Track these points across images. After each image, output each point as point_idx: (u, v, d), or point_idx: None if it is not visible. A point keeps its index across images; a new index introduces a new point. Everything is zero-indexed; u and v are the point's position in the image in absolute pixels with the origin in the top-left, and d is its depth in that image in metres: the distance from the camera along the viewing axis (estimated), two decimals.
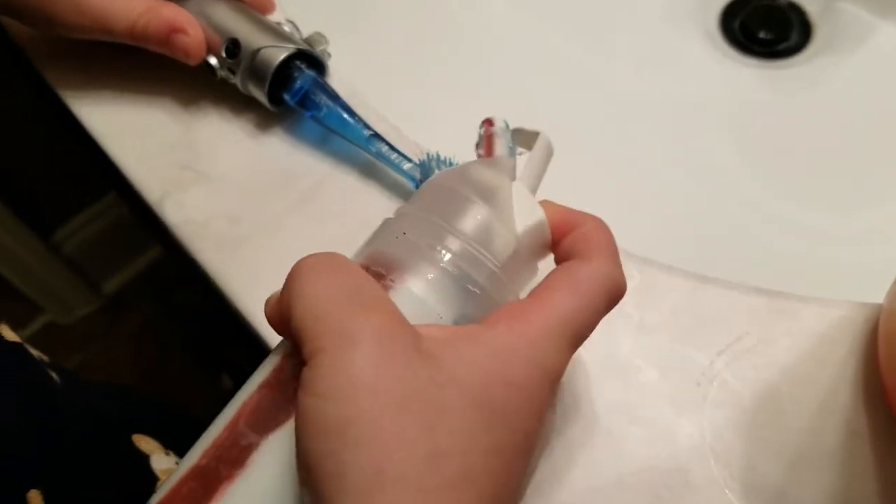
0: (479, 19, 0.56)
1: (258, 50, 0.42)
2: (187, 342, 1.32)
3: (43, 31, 0.47)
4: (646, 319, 0.37)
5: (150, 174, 0.45)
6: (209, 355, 1.21)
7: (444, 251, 0.28)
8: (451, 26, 0.55)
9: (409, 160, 0.41)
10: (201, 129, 0.46)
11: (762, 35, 0.55)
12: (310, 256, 0.26)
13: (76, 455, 0.43)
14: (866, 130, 0.51)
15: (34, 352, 0.47)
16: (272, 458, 0.25)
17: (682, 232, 0.46)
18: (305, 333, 0.24)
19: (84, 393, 0.51)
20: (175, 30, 0.43)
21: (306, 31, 0.45)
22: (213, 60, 0.44)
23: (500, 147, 0.33)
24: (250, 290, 0.40)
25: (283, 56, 0.42)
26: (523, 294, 0.29)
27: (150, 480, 0.47)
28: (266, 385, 0.27)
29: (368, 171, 0.43)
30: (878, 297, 0.36)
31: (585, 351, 0.37)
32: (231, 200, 0.43)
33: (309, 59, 0.43)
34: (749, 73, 0.54)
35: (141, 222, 0.47)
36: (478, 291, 0.28)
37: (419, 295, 0.27)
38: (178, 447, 0.52)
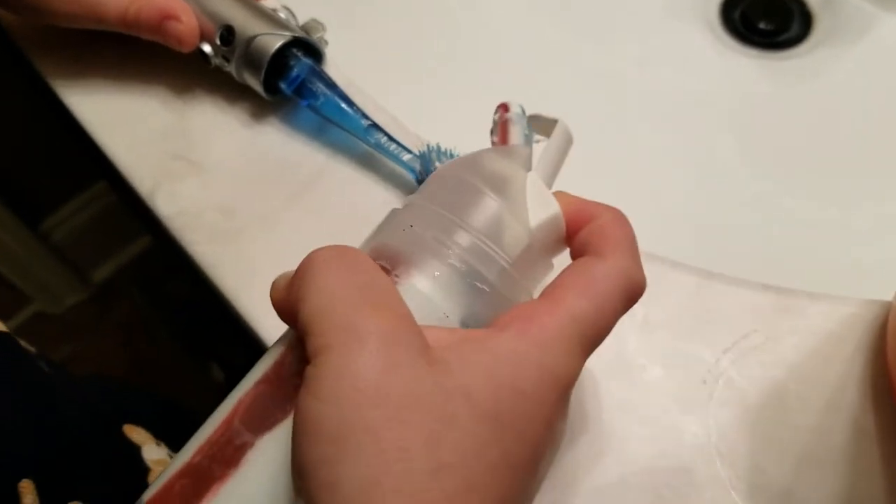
0: (478, 10, 0.55)
1: (253, 37, 0.41)
2: (177, 332, 1.32)
3: (33, 19, 0.46)
4: (651, 316, 0.37)
5: (142, 164, 0.44)
6: (199, 345, 1.20)
7: (452, 246, 0.27)
8: (450, 16, 0.54)
9: (409, 151, 0.40)
10: (195, 118, 0.45)
11: (763, 26, 0.55)
12: (324, 248, 0.26)
13: (68, 445, 0.43)
14: (869, 123, 0.51)
15: (23, 342, 0.46)
16: (267, 460, 0.25)
17: (683, 225, 0.46)
18: (312, 328, 0.23)
19: (73, 384, 0.51)
20: (167, 16, 0.42)
21: (302, 18, 0.44)
22: (207, 48, 0.43)
23: (516, 135, 0.31)
24: (245, 286, 0.39)
25: (279, 44, 0.41)
26: (537, 290, 0.28)
27: (141, 472, 0.47)
28: (265, 380, 0.26)
29: (367, 162, 0.43)
30: (885, 292, 0.36)
31: None
32: (225, 192, 0.43)
33: (305, 47, 0.43)
34: (749, 64, 0.54)
35: (131, 212, 0.46)
36: (487, 289, 0.27)
37: (425, 292, 0.26)
38: (170, 438, 0.52)
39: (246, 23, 0.42)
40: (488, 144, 0.33)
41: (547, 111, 0.33)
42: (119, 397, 0.58)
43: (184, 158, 0.44)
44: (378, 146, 0.40)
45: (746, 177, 0.49)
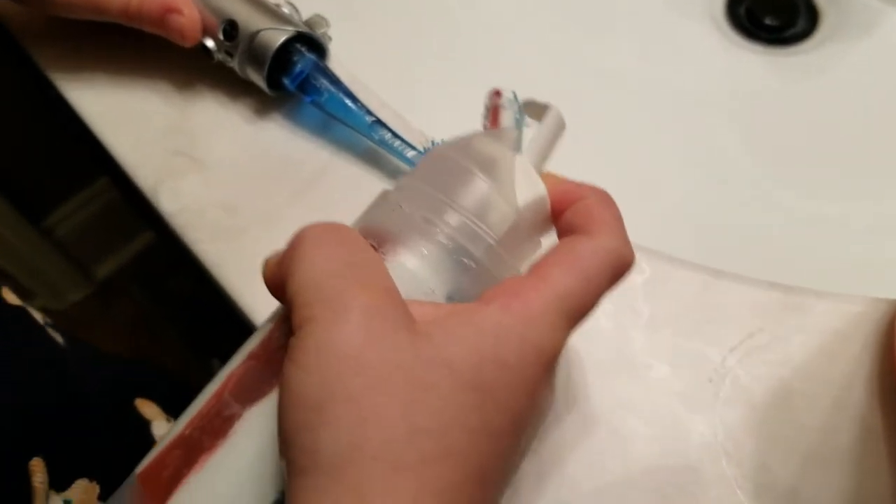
0: (481, 5, 0.55)
1: (257, 32, 0.41)
2: (179, 328, 1.32)
3: (35, 8, 0.46)
4: (656, 315, 0.37)
5: (144, 161, 0.44)
6: (201, 341, 1.20)
7: (439, 224, 0.27)
8: (453, 12, 0.54)
9: (413, 148, 0.40)
10: (197, 114, 0.45)
11: (768, 21, 0.54)
12: (315, 225, 0.26)
13: (80, 418, 0.43)
14: (875, 119, 0.51)
15: (37, 314, 0.46)
16: (254, 429, 0.25)
17: (688, 223, 0.46)
18: (298, 300, 0.24)
19: (88, 355, 0.51)
20: (169, 9, 0.42)
21: (306, 14, 0.44)
22: (209, 43, 0.43)
23: (507, 119, 0.32)
24: (248, 283, 0.39)
25: (282, 39, 0.41)
26: (525, 269, 0.28)
27: (150, 448, 0.47)
28: (254, 356, 0.27)
29: (371, 159, 0.42)
30: (892, 290, 0.36)
31: (595, 347, 0.36)
32: (228, 189, 0.42)
33: (309, 43, 0.42)
34: (755, 60, 0.54)
35: (134, 208, 0.46)
36: (473, 265, 0.27)
37: (410, 268, 0.27)
38: (180, 413, 0.52)
39: (249, 18, 0.41)
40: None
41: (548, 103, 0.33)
42: (134, 371, 0.58)
43: (186, 155, 0.44)
44: (382, 143, 0.40)
45: (752, 174, 0.49)
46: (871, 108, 0.51)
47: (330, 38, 0.44)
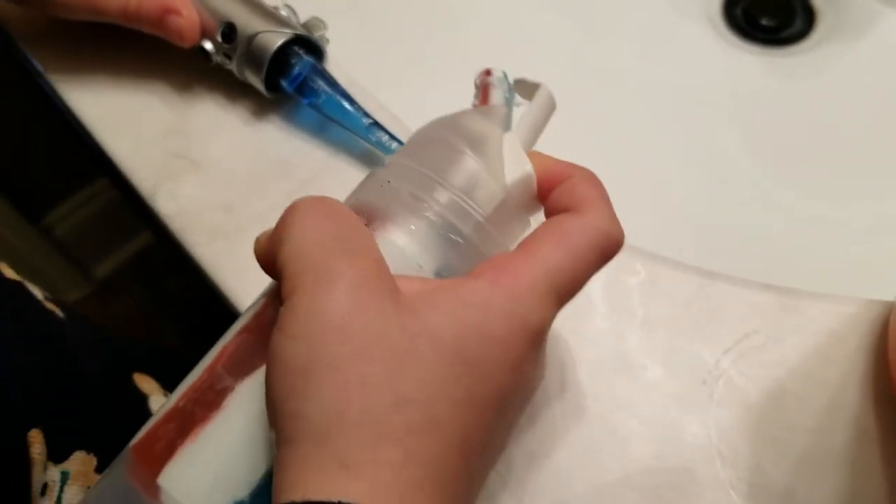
0: (480, 6, 0.55)
1: (255, 35, 0.41)
2: (178, 327, 1.32)
3: (34, 9, 0.46)
4: (651, 316, 0.37)
5: (143, 163, 0.44)
6: (200, 340, 1.20)
7: (427, 200, 0.27)
8: (452, 13, 0.54)
9: None
10: (195, 116, 0.45)
11: (765, 22, 0.54)
12: (305, 198, 0.26)
13: (78, 392, 0.43)
14: (872, 119, 0.51)
15: (36, 290, 0.46)
16: (246, 401, 0.26)
17: (684, 224, 0.46)
18: (287, 271, 0.24)
19: (88, 329, 0.51)
20: (168, 10, 0.42)
21: (304, 16, 0.44)
22: (208, 45, 0.43)
23: (496, 97, 0.32)
24: (246, 285, 0.39)
25: (280, 41, 0.41)
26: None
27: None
28: (246, 330, 0.28)
29: (368, 161, 0.43)
30: (886, 292, 0.36)
31: (590, 348, 0.36)
32: (226, 190, 0.43)
33: (307, 45, 0.43)
34: (752, 60, 0.54)
35: (133, 208, 0.46)
36: (461, 241, 0.27)
37: (399, 244, 0.27)
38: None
39: (247, 20, 0.42)
40: None
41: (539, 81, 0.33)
42: (132, 347, 0.58)
43: (184, 157, 0.44)
44: (379, 144, 0.40)
45: (749, 174, 0.49)
46: (868, 108, 0.51)
47: (328, 41, 0.44)
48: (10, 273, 0.45)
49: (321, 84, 0.42)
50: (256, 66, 0.42)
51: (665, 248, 0.39)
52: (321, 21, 0.44)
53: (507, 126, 0.31)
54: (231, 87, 0.45)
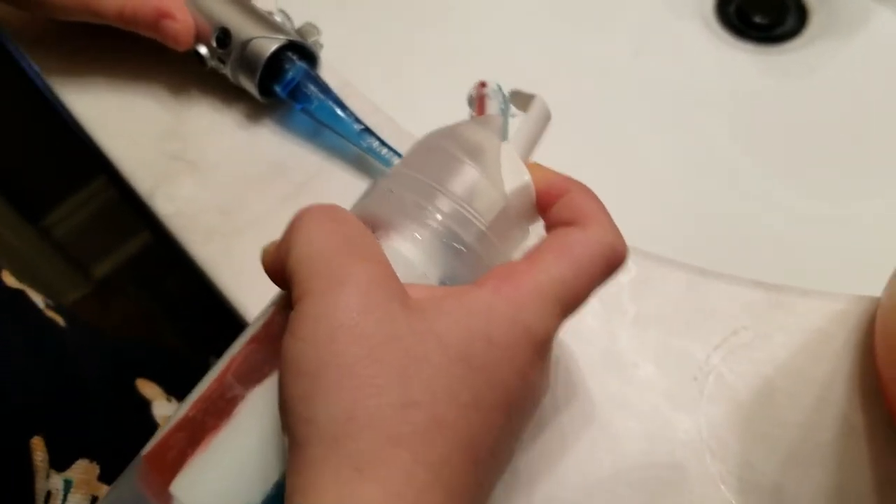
0: (474, 10, 0.55)
1: (249, 40, 0.41)
2: (177, 327, 1.32)
3: (31, 11, 0.46)
4: (642, 313, 0.37)
5: (141, 164, 0.44)
6: (199, 340, 1.20)
7: (430, 209, 0.28)
8: (445, 15, 0.54)
9: (400, 155, 0.40)
10: (191, 119, 0.46)
11: (758, 19, 0.55)
12: (311, 206, 0.27)
13: (80, 399, 0.43)
14: (864, 116, 0.51)
15: (38, 298, 0.46)
16: (257, 409, 0.26)
17: (675, 221, 0.46)
18: (297, 276, 0.25)
19: (89, 335, 0.51)
20: (163, 14, 0.42)
21: (298, 21, 0.45)
22: (203, 50, 0.43)
23: (492, 108, 0.33)
24: (242, 284, 0.40)
25: (273, 47, 0.41)
26: (516, 256, 0.29)
27: (150, 428, 0.47)
28: (255, 339, 0.28)
29: (361, 165, 0.43)
30: (874, 287, 0.36)
31: (581, 345, 0.37)
32: (222, 193, 0.43)
33: (301, 51, 0.43)
34: (745, 58, 0.54)
35: (131, 208, 0.47)
36: (464, 250, 0.28)
37: (403, 253, 0.27)
38: (182, 394, 0.52)
39: (242, 26, 0.42)
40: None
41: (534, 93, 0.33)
42: (135, 351, 0.58)
43: (181, 159, 0.44)
44: (370, 150, 0.41)
45: (740, 172, 0.49)
46: (860, 105, 0.51)
47: (321, 46, 0.44)
48: (11, 281, 0.45)
49: (314, 90, 0.42)
50: (250, 72, 0.42)
51: (655, 246, 0.39)
52: (315, 27, 0.44)
53: (503, 135, 0.31)
54: (226, 91, 0.45)
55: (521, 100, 0.33)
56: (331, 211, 0.27)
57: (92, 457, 0.42)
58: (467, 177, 0.28)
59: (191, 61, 0.44)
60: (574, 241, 0.27)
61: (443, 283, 0.28)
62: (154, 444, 0.27)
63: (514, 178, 0.29)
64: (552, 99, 0.33)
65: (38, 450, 0.38)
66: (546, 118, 0.33)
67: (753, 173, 0.49)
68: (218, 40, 0.42)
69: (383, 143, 0.41)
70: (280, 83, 0.42)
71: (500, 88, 0.33)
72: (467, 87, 0.34)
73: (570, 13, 0.56)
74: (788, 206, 0.47)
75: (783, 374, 0.35)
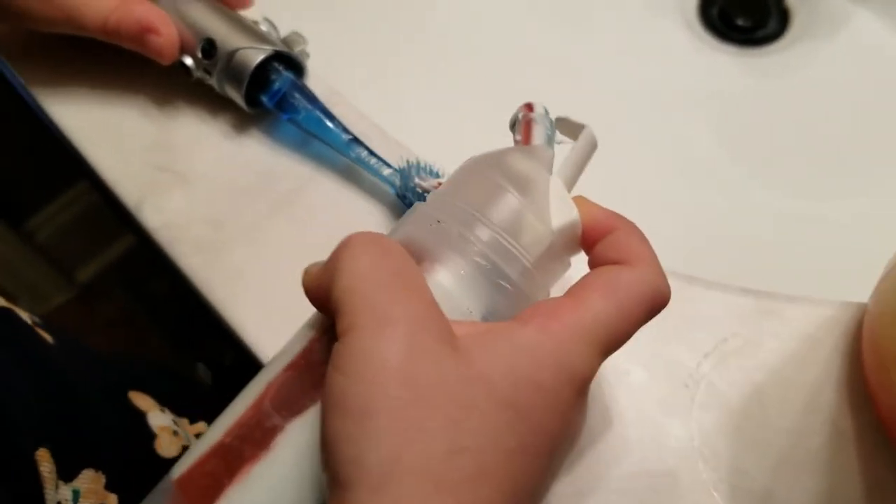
0: (459, 12, 0.55)
1: (235, 51, 0.41)
2: (163, 332, 1.31)
3: (12, 21, 0.45)
4: None
5: (127, 176, 0.44)
6: (186, 345, 1.20)
7: (477, 243, 0.27)
8: (431, 20, 0.54)
9: (389, 165, 0.40)
10: (177, 129, 0.45)
11: (740, 22, 0.55)
12: (359, 234, 0.26)
13: (77, 413, 0.43)
14: (846, 118, 0.51)
15: (24, 315, 0.46)
16: (296, 443, 0.25)
17: (663, 227, 0.46)
18: (344, 307, 0.24)
19: (79, 351, 0.51)
20: (146, 29, 0.42)
21: (284, 31, 0.44)
22: (188, 61, 0.43)
23: (539, 135, 0.32)
24: (231, 294, 0.40)
25: (260, 58, 0.41)
26: (555, 289, 0.29)
27: (148, 437, 0.47)
28: (293, 366, 0.27)
29: (349, 175, 0.43)
30: (861, 293, 0.36)
31: None
32: (210, 204, 0.43)
33: (287, 61, 0.43)
34: (728, 60, 0.54)
35: (115, 214, 0.46)
36: (509, 287, 0.27)
37: (448, 288, 0.27)
38: (173, 404, 0.52)
39: (227, 36, 0.42)
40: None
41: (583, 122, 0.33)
42: (123, 365, 0.58)
43: (168, 170, 0.44)
44: (359, 160, 0.41)
45: (725, 176, 0.49)
46: (842, 106, 0.52)
47: (308, 55, 0.44)
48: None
49: (300, 100, 0.42)
50: (237, 82, 0.42)
51: None
52: (301, 36, 0.44)
53: (551, 168, 0.31)
54: (212, 101, 0.45)
55: (568, 127, 0.32)
56: (380, 241, 0.26)
57: (97, 466, 0.42)
58: (515, 211, 0.28)
59: (176, 72, 0.44)
60: (621, 282, 0.27)
61: (485, 318, 0.27)
62: (186, 470, 0.26)
63: (563, 214, 0.29)
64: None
65: (45, 461, 0.38)
66: (593, 148, 0.32)
67: (738, 176, 0.49)
68: (203, 51, 0.42)
69: (372, 153, 0.40)
70: (267, 93, 0.42)
71: (546, 113, 0.33)
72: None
73: (554, 16, 0.56)
74: (773, 208, 0.48)
75: (773, 381, 0.36)
